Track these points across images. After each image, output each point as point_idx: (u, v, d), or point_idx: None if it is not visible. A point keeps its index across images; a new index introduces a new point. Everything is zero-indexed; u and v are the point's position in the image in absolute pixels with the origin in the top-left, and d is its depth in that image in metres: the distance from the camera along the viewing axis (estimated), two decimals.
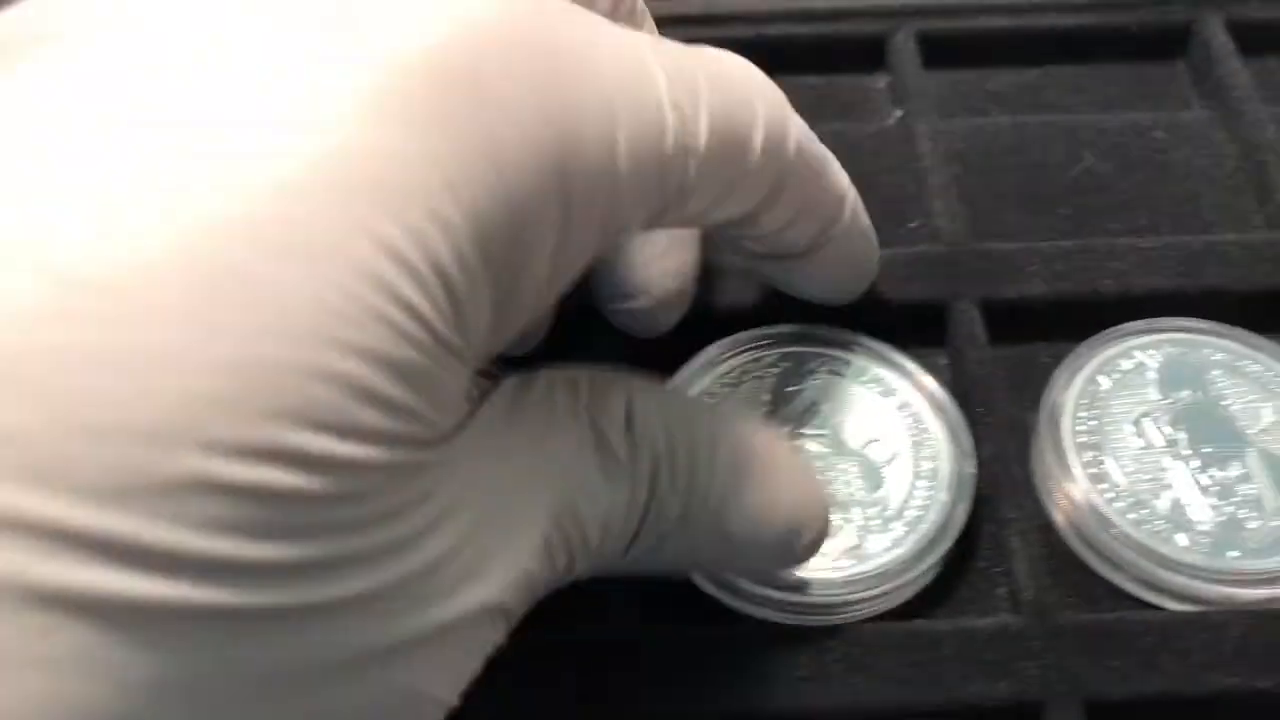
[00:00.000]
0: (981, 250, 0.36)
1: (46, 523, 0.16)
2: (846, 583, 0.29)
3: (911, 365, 0.33)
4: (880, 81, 0.43)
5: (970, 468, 0.31)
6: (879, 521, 0.31)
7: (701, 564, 0.27)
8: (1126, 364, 0.34)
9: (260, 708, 0.18)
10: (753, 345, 0.34)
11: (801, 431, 0.32)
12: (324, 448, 0.18)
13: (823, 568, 0.29)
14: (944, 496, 0.31)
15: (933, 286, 0.36)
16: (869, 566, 0.30)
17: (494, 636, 0.22)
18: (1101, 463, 0.32)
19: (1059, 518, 0.32)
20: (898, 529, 0.30)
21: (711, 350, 0.34)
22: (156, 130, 0.18)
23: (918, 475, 0.31)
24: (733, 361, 0.34)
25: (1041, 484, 0.32)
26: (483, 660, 0.22)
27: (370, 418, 0.18)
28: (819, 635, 0.29)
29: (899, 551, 0.30)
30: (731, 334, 0.34)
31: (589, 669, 0.28)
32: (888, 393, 0.33)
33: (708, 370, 0.34)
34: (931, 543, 0.30)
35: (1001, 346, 0.35)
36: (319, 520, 0.18)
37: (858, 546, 0.30)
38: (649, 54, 0.23)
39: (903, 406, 0.33)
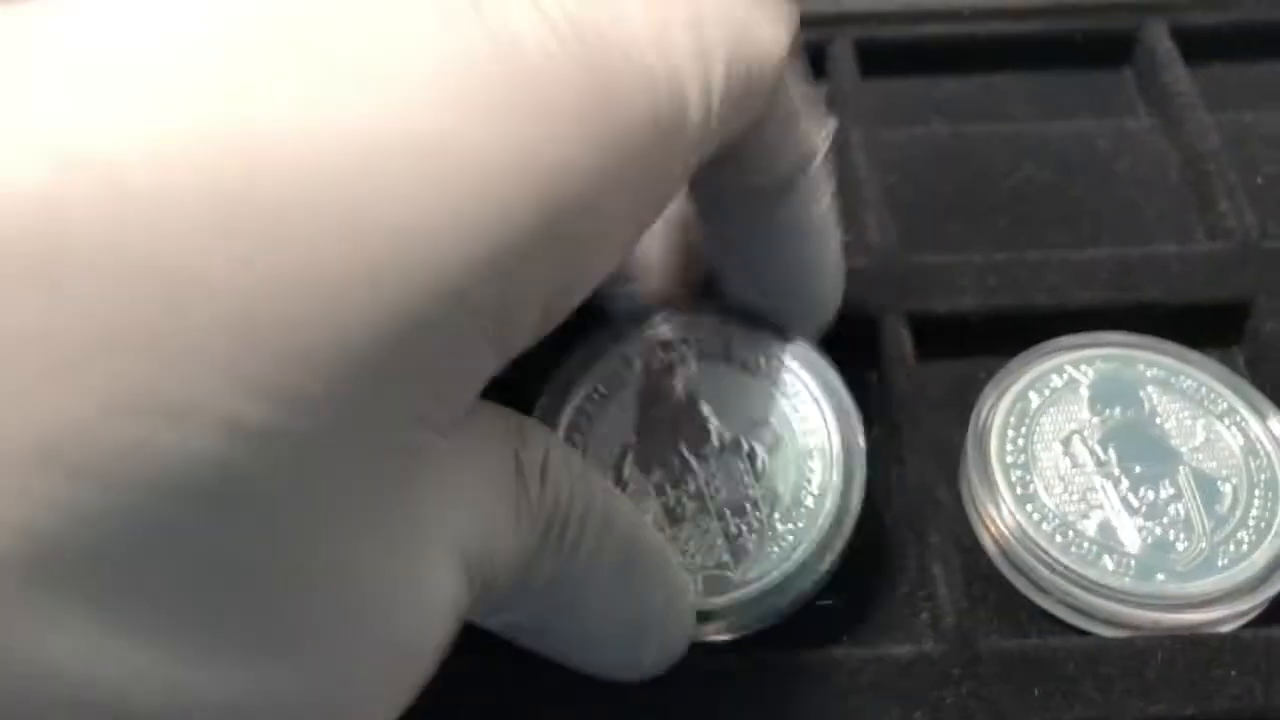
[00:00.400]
0: (912, 263, 0.35)
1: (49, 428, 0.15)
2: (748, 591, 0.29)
3: (776, 332, 0.31)
4: (820, 91, 0.42)
5: (862, 441, 0.30)
6: (777, 515, 0.29)
7: (545, 639, 0.26)
8: (1058, 380, 0.33)
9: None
10: (623, 336, 0.31)
11: (684, 426, 0.30)
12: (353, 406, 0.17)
13: (733, 583, 0.28)
14: (836, 478, 0.29)
15: (861, 301, 0.35)
16: (771, 578, 0.28)
17: (428, 662, 0.21)
18: (1029, 484, 0.31)
19: (986, 540, 0.31)
20: (791, 527, 0.29)
21: (589, 344, 0.31)
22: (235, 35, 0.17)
23: (806, 456, 0.30)
24: (609, 356, 0.31)
25: (969, 506, 0.32)
26: (415, 688, 0.21)
27: (394, 395, 0.18)
28: (726, 659, 0.28)
29: (798, 554, 0.29)
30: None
31: (485, 693, 0.28)
32: (762, 370, 0.31)
33: (588, 365, 0.31)
34: (829, 533, 0.29)
35: (933, 363, 0.34)
36: (336, 478, 0.18)
37: (754, 552, 0.29)
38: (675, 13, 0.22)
39: (779, 384, 0.31)
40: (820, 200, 0.29)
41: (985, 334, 0.34)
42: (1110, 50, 0.42)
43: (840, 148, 0.39)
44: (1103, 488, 0.31)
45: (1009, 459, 0.31)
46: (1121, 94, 0.42)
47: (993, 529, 0.31)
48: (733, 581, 0.28)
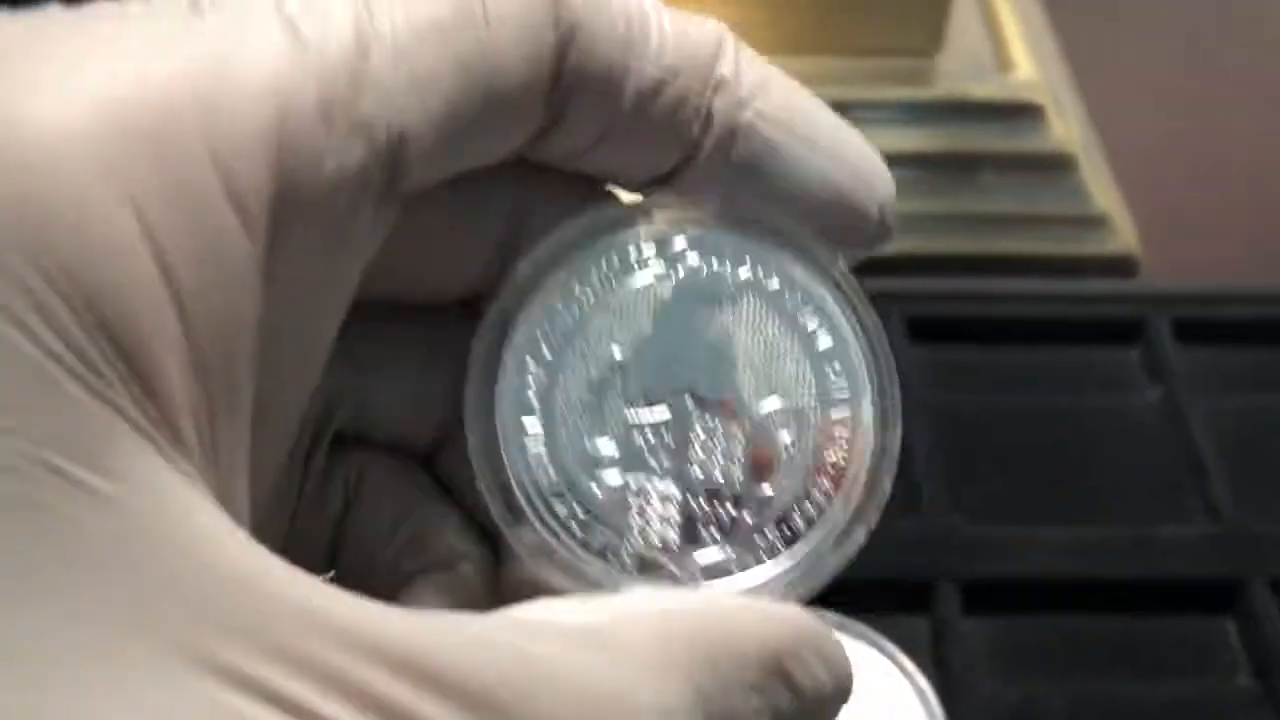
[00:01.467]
0: (1261, 531, 0.41)
1: None
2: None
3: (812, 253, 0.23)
4: (1133, 355, 0.48)
5: (894, 447, 0.22)
6: (755, 523, 0.22)
7: None
8: None
9: None
10: (625, 220, 0.22)
11: (696, 361, 0.22)
12: None
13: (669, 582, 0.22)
14: (842, 513, 0.22)
15: (1223, 565, 0.40)
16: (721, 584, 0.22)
17: None
18: None
19: None
20: (770, 541, 0.22)
21: (580, 223, 0.22)
22: None
23: (820, 469, 0.22)
24: (635, 249, 0.22)
25: None
26: None
27: None
28: None
29: (760, 572, 0.22)
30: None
31: None
32: (822, 337, 0.22)
33: (575, 253, 0.22)
34: (813, 559, 0.22)
35: None
36: None
37: (709, 550, 0.22)
38: None
39: (832, 357, 0.22)
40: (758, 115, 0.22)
41: None
42: None
43: (1172, 413, 0.45)
44: None
45: None
46: None
47: None
48: (669, 573, 0.22)
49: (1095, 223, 0.50)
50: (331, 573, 0.24)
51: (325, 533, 0.24)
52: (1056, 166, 0.49)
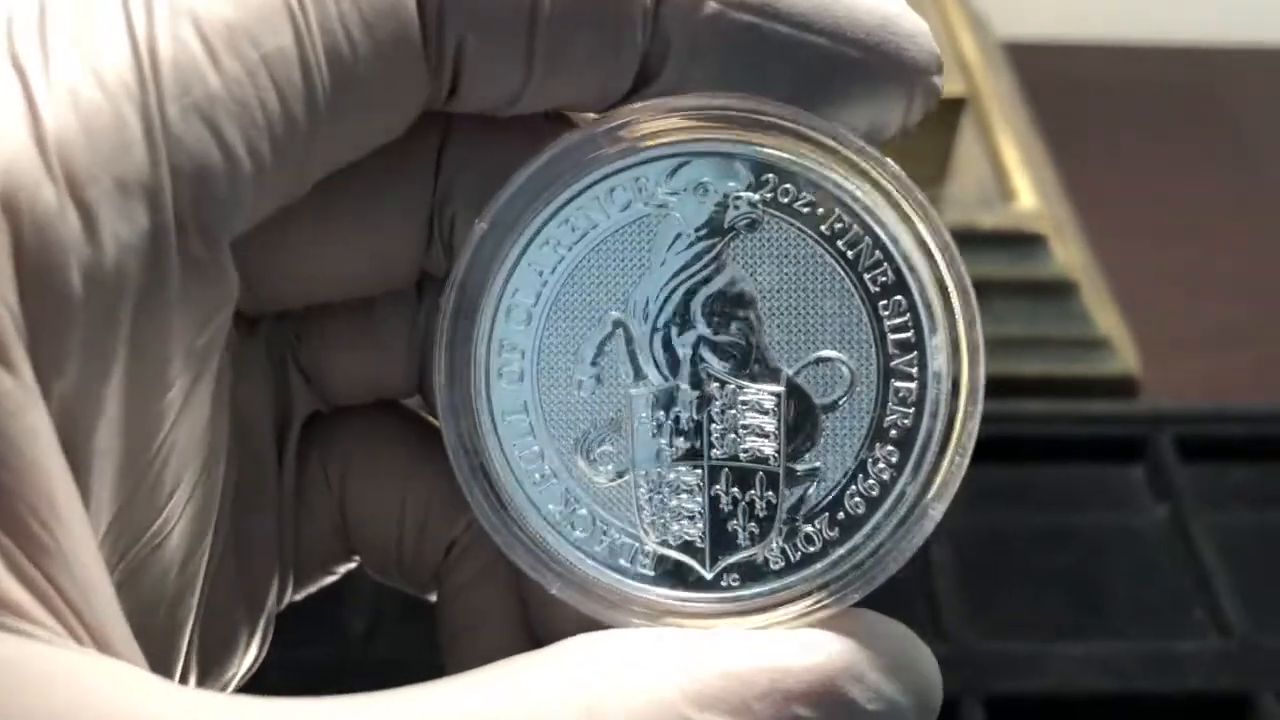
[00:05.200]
0: (1271, 646, 0.42)
1: None
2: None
3: (916, 206, 0.18)
4: (1138, 473, 0.50)
5: (978, 393, 0.18)
6: (804, 508, 0.18)
7: None
8: None
9: None
10: (659, 142, 0.18)
11: (717, 321, 0.18)
12: None
13: (694, 578, 0.18)
14: (911, 486, 0.18)
15: (1234, 678, 0.41)
16: (760, 588, 0.18)
17: None
18: None
19: None
20: (820, 530, 0.18)
21: (541, 162, 0.18)
22: None
23: (880, 433, 0.18)
24: (613, 182, 0.18)
25: None
26: None
27: None
28: None
29: (809, 572, 0.18)
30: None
31: None
32: (871, 262, 0.18)
33: (541, 199, 0.18)
34: (876, 555, 0.18)
35: None
36: None
37: (743, 549, 0.18)
38: None
39: (889, 289, 0.18)
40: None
41: None
42: None
43: (1179, 530, 0.46)
44: None
45: None
46: None
47: None
48: (695, 576, 0.18)
49: (1097, 345, 0.52)
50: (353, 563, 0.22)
51: (330, 535, 0.22)
52: (1059, 292, 0.52)
